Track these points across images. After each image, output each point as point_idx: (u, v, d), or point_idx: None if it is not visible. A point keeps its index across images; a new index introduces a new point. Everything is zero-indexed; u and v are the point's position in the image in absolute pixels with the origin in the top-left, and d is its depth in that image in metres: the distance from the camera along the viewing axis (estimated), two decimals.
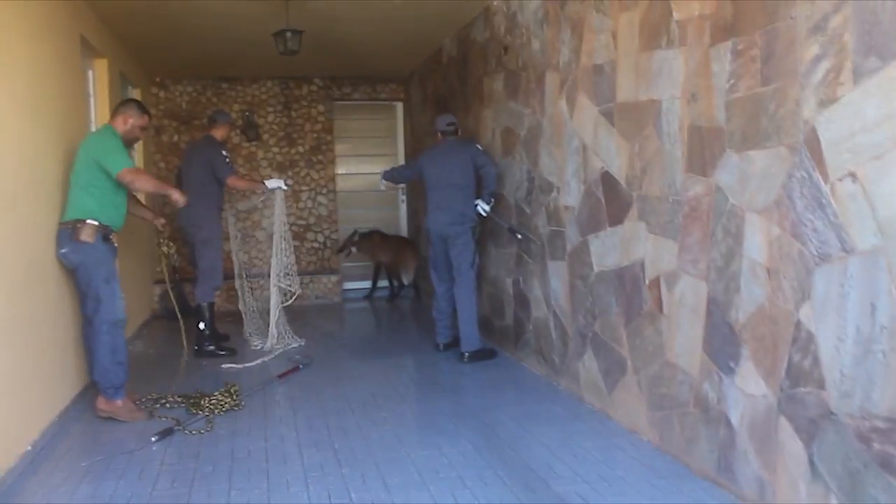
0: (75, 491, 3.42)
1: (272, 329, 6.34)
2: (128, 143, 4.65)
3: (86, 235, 4.27)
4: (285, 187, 6.38)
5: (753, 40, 2.88)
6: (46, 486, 3.49)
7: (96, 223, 4.30)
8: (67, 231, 4.28)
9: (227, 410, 4.52)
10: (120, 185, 4.46)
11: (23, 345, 3.80)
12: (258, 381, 5.21)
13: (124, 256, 4.60)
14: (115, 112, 4.72)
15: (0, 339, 3.50)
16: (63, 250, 4.30)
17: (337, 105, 9.52)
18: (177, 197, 4.83)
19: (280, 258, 6.26)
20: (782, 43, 2.74)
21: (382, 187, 6.61)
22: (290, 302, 6.34)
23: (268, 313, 6.52)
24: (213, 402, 4.58)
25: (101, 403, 4.42)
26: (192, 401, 4.63)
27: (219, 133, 6.37)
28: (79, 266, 4.32)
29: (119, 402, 4.41)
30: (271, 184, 6.31)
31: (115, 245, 4.49)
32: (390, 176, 6.44)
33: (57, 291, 4.38)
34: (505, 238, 5.75)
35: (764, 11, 2.82)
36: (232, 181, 6.20)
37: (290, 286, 6.28)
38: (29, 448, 3.78)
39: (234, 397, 4.68)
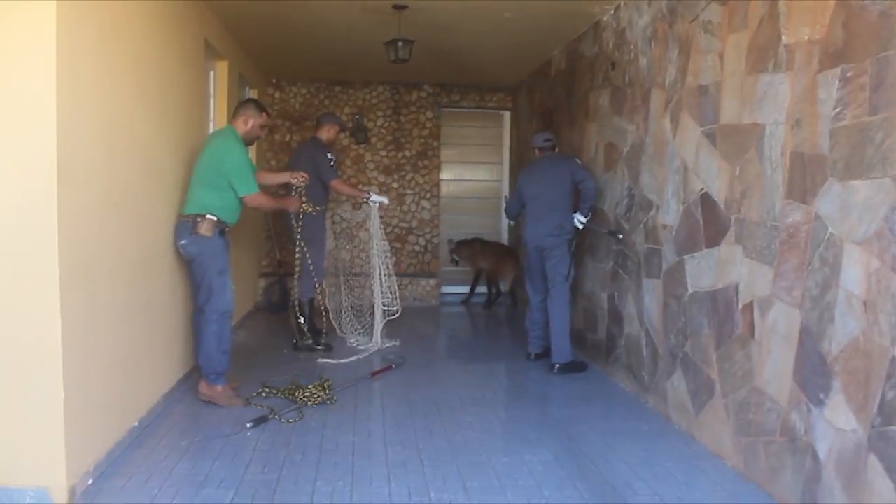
0: (175, 466, 3.66)
1: (377, 332, 6.49)
2: (248, 141, 4.93)
3: (204, 229, 4.53)
4: (386, 201, 6.52)
5: (863, 68, 2.83)
6: (150, 459, 3.74)
7: (215, 218, 4.56)
8: (188, 224, 4.55)
9: (319, 403, 4.71)
10: None
11: (136, 328, 4.10)
12: (351, 378, 5.38)
13: (233, 251, 4.87)
14: (235, 113, 5.00)
15: (117, 321, 3.80)
16: (182, 241, 4.57)
17: (445, 112, 9.68)
18: (293, 206, 5.46)
19: (381, 275, 6.42)
20: (894, 72, 2.68)
21: (512, 224, 6.59)
22: (395, 317, 6.50)
23: (363, 312, 6.75)
24: (307, 394, 4.77)
25: (203, 387, 4.68)
26: (286, 392, 4.85)
27: (324, 134, 6.55)
28: (196, 257, 4.58)
29: (219, 388, 4.66)
30: (375, 197, 6.52)
31: (229, 240, 4.77)
32: (509, 214, 6.49)
33: (169, 280, 4.69)
34: (602, 252, 5.75)
35: (877, 39, 2.77)
36: (335, 184, 6.42)
37: (391, 306, 6.45)
38: (136, 424, 4.06)
39: (327, 391, 4.86)
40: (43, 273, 3.07)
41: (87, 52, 3.36)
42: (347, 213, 8.62)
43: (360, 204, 6.70)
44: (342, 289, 7.19)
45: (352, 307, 7.06)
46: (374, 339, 6.45)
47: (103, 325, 3.60)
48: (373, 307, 6.58)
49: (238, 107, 5.07)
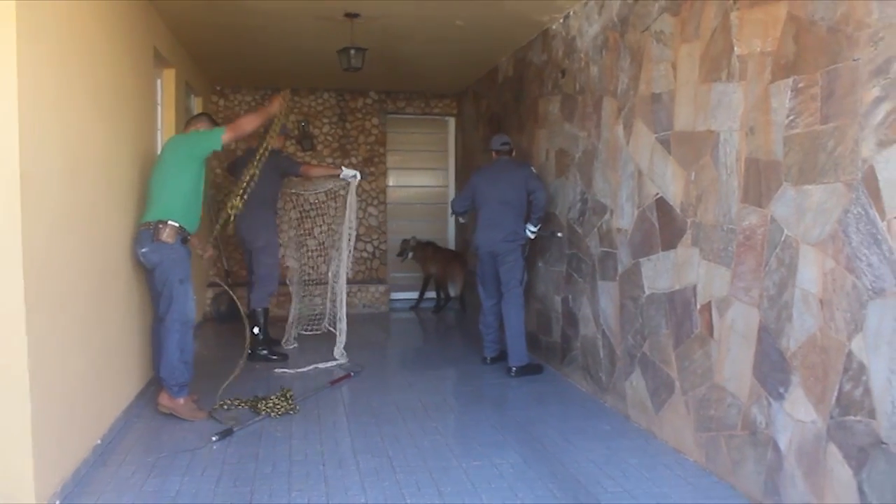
0: (143, 484, 3.61)
1: (341, 334, 6.39)
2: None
3: (166, 236, 4.47)
4: (359, 177, 6.45)
5: (814, 79, 2.99)
6: (117, 477, 3.69)
7: (177, 225, 4.51)
8: (149, 231, 4.49)
9: (282, 413, 4.70)
10: (199, 189, 4.72)
11: (96, 342, 4.03)
12: (310, 387, 5.38)
13: None
14: (187, 126, 5.07)
15: (79, 336, 3.73)
16: (143, 249, 4.50)
17: (390, 118, 9.73)
18: (275, 107, 5.22)
19: (349, 249, 6.41)
20: (843, 83, 2.84)
21: (462, 220, 6.58)
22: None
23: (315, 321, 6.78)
24: (270, 405, 4.75)
25: (164, 399, 4.60)
26: (248, 403, 4.83)
27: (273, 143, 6.48)
28: (157, 265, 4.51)
29: (181, 401, 4.59)
30: (346, 173, 6.43)
31: (190, 249, 4.73)
32: (455, 210, 6.40)
33: (126, 292, 4.61)
34: (554, 256, 5.87)
35: (827, 52, 2.93)
36: (306, 170, 6.50)
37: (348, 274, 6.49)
38: (98, 441, 3.99)
39: (290, 401, 4.85)
40: (8, 290, 3.00)
41: (46, 60, 3.30)
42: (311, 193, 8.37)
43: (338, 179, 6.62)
44: (294, 298, 7.16)
45: (304, 316, 7.03)
46: (335, 354, 6.35)
47: (67, 341, 3.54)
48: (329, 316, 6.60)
49: (191, 119, 5.15)
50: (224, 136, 4.67)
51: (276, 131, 5.62)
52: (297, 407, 4.85)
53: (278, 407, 4.75)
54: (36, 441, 3.11)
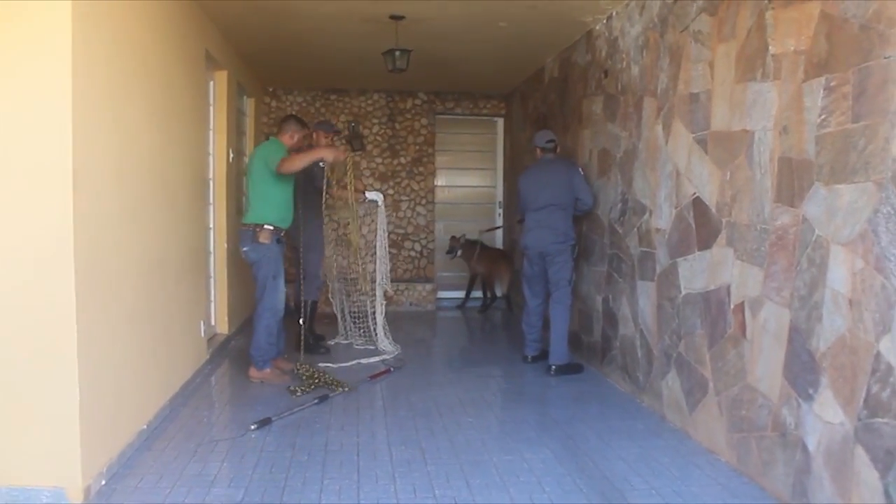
0: (184, 467, 3.76)
1: (380, 330, 6.61)
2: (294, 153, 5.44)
3: (263, 238, 5.24)
4: (380, 200, 6.67)
5: (846, 78, 2.96)
6: (160, 461, 3.85)
7: (271, 228, 5.26)
8: (249, 232, 5.27)
9: (321, 385, 5.16)
10: (287, 189, 5.41)
11: (145, 332, 4.21)
12: (351, 381, 5.49)
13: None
14: (279, 129, 5.58)
15: (128, 325, 3.91)
16: (245, 248, 5.32)
17: (439, 119, 9.83)
18: (326, 155, 5.42)
19: (384, 262, 6.62)
20: (875, 82, 2.81)
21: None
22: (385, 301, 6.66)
23: (360, 316, 6.91)
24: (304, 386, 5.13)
25: (253, 372, 5.43)
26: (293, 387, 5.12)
27: (321, 142, 6.65)
28: (255, 262, 5.32)
29: (268, 371, 5.44)
30: (371, 195, 6.66)
31: (284, 244, 5.52)
32: (522, 220, 6.36)
33: (175, 286, 4.80)
34: (597, 256, 5.88)
35: (858, 50, 2.90)
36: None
37: (385, 285, 6.69)
38: (144, 427, 4.16)
39: (331, 382, 5.24)
40: (59, 277, 3.17)
41: (99, 61, 3.48)
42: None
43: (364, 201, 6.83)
44: (341, 294, 7.29)
45: (350, 312, 7.16)
46: (379, 346, 6.56)
47: (115, 329, 3.71)
48: (372, 313, 6.73)
49: (282, 123, 5.64)
50: (278, 166, 5.18)
51: (350, 180, 6.18)
52: (344, 386, 5.17)
53: (319, 378, 5.24)
54: (83, 424, 3.27)
